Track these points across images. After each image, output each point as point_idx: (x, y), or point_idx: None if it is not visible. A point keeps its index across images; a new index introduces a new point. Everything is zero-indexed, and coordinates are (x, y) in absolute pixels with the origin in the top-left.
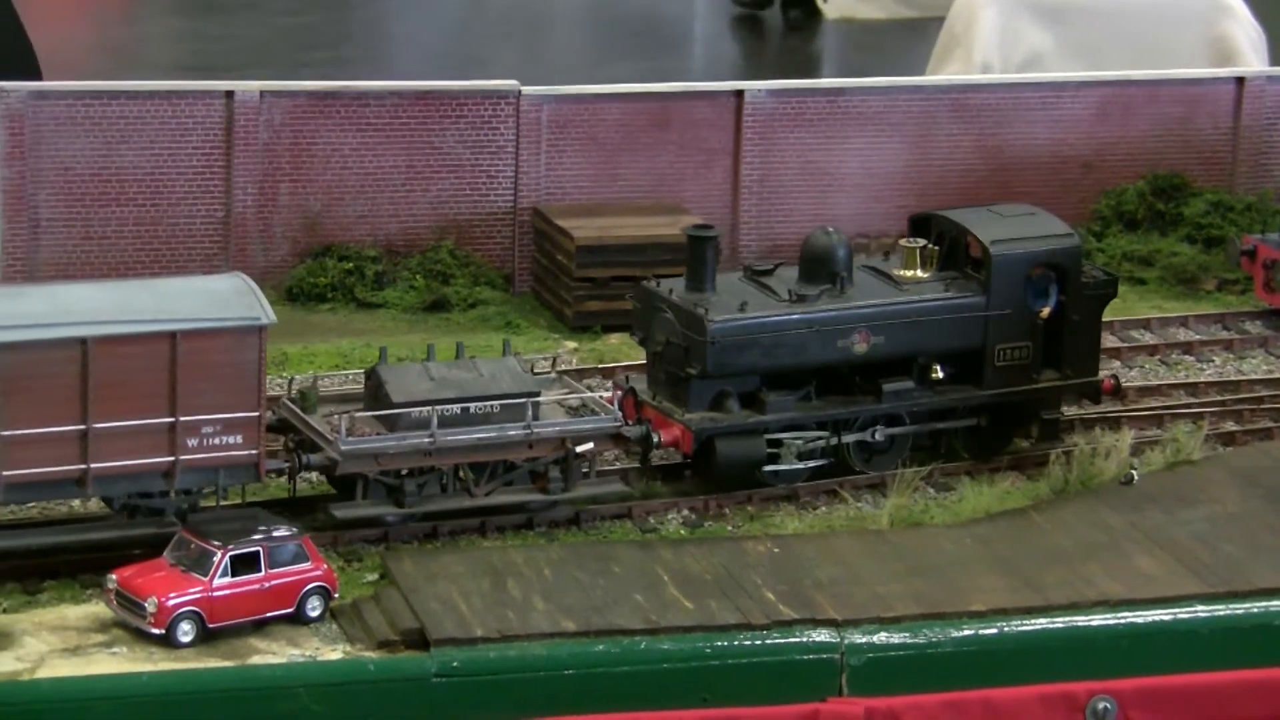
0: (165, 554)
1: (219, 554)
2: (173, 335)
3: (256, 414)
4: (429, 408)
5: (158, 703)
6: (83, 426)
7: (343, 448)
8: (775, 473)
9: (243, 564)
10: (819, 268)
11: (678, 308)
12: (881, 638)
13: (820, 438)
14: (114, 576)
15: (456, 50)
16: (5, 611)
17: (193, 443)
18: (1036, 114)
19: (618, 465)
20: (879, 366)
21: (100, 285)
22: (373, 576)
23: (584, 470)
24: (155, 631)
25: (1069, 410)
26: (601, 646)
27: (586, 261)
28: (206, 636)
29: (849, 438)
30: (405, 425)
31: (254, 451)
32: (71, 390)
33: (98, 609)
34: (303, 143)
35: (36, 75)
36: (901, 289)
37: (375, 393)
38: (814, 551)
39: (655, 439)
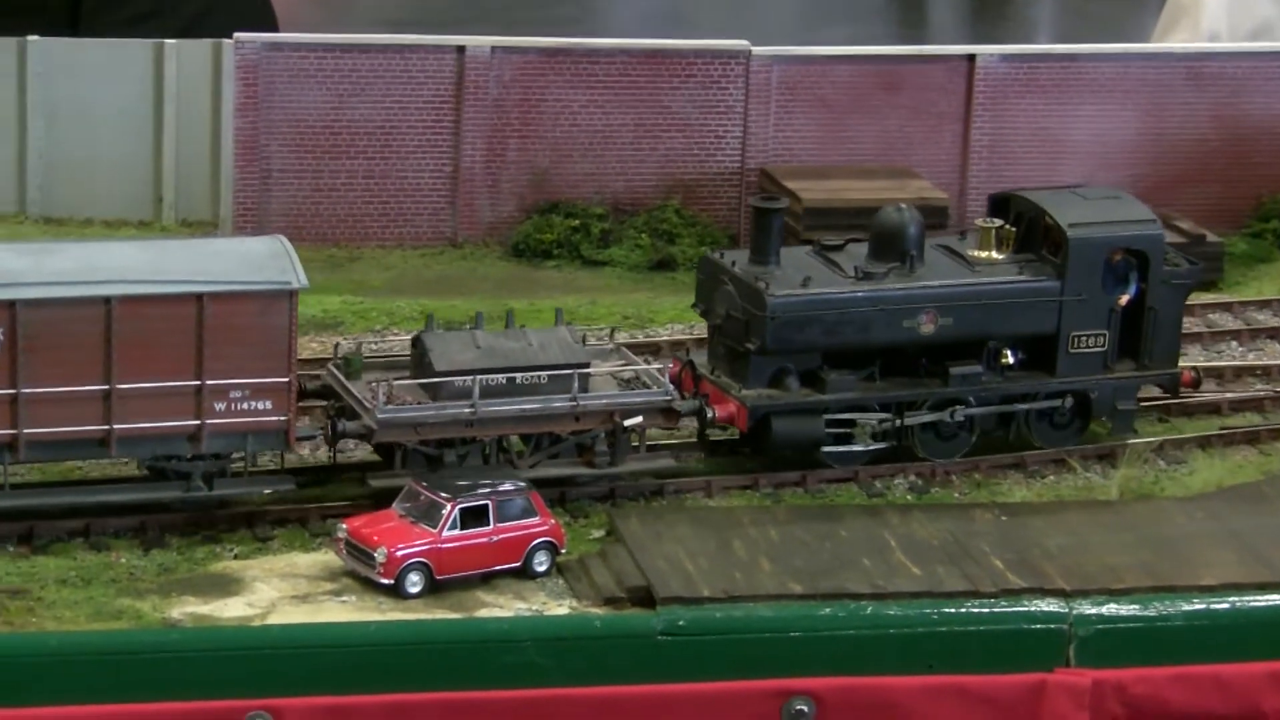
0: (395, 505)
1: (448, 506)
2: (199, 297)
3: (286, 379)
4: (471, 377)
5: (386, 652)
6: (106, 387)
7: (379, 416)
8: (835, 454)
9: (471, 517)
10: (889, 245)
11: (739, 280)
12: (1110, 609)
13: (885, 419)
14: (344, 526)
15: (668, 9)
16: (236, 557)
17: (220, 407)
18: (1276, 84)
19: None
20: (947, 349)
21: (135, 244)
22: (599, 533)
23: (634, 445)
24: (384, 581)
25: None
26: (827, 610)
27: (813, 224)
28: (434, 588)
29: (913, 420)
30: (448, 394)
31: (284, 418)
32: (96, 350)
33: (327, 557)
34: (532, 99)
35: (273, 27)
36: (974, 270)
37: (419, 360)
38: (1042, 521)
39: (710, 415)
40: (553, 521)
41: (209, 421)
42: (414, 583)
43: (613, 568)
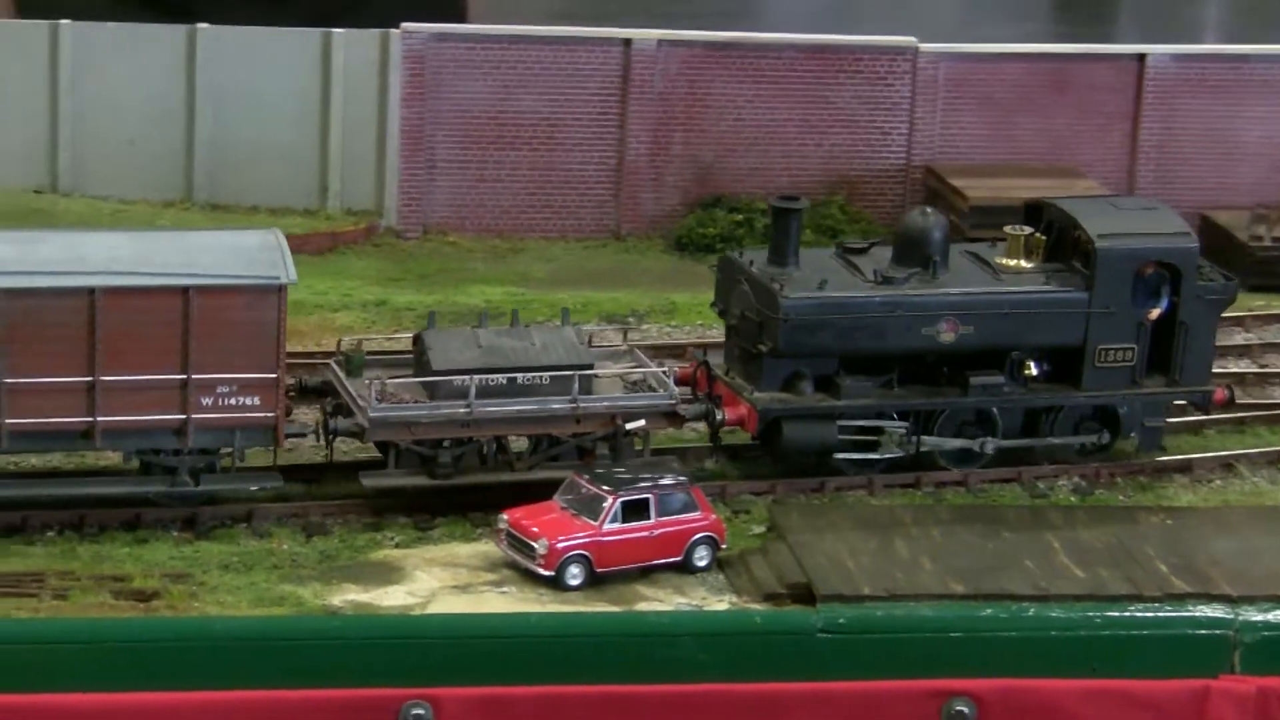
0: (556, 497)
1: (610, 499)
2: (185, 290)
3: (274, 376)
4: (468, 377)
5: (545, 644)
6: (90, 379)
7: (371, 414)
8: (850, 461)
9: (633, 510)
10: (912, 250)
11: (755, 281)
12: (1277, 616)
13: (901, 427)
14: (505, 517)
15: (832, 3)
16: (397, 546)
17: (207, 401)
18: None
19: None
20: (968, 358)
21: (126, 234)
22: (760, 529)
23: (638, 448)
24: (544, 573)
25: None
26: (989, 611)
27: (979, 222)
28: (594, 581)
29: (931, 445)
30: (445, 394)
31: (272, 414)
32: (79, 341)
33: (487, 548)
34: (698, 92)
35: (462, 16)
36: (999, 278)
37: (420, 358)
38: (1208, 525)
39: (719, 418)
40: (714, 516)
41: (195, 416)
42: (574, 575)
43: (773, 564)
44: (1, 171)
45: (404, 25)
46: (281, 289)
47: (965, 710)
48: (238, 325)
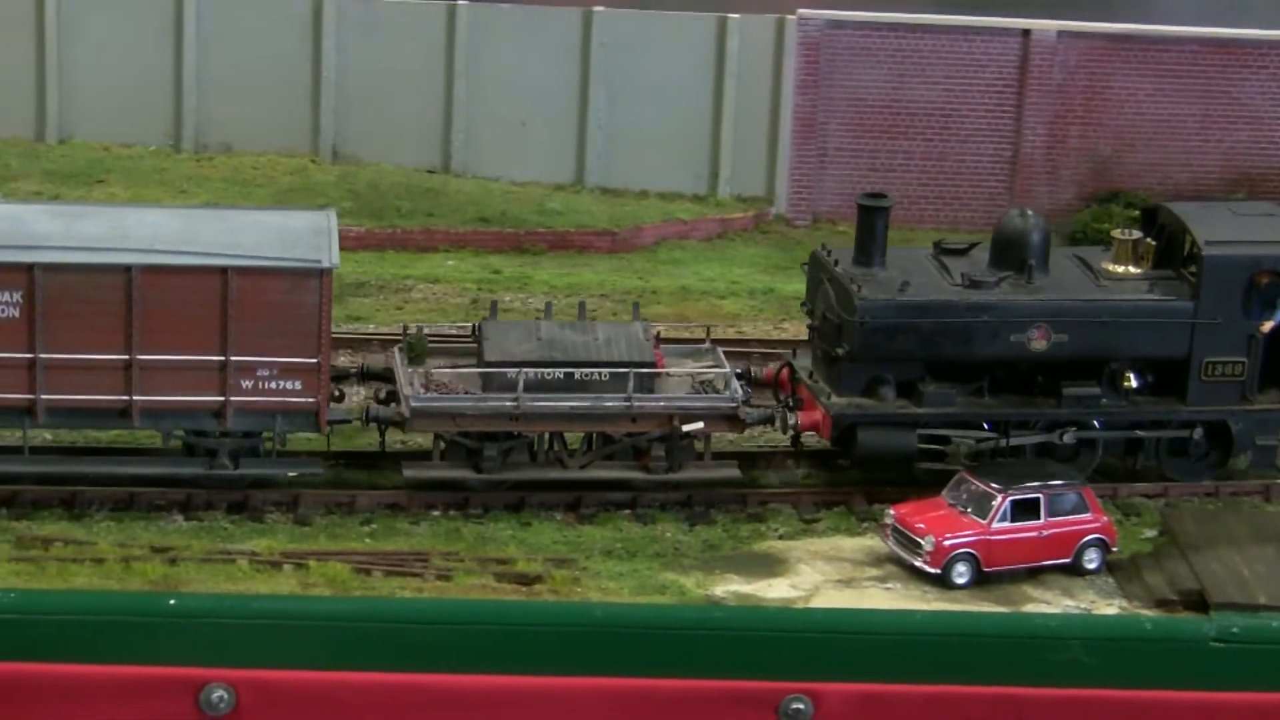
0: (944, 493)
1: (999, 498)
2: (224, 271)
3: (316, 360)
4: (517, 369)
5: (929, 643)
6: (127, 357)
7: (413, 404)
8: (938, 472)
9: (1022, 510)
10: (1008, 252)
11: (836, 281)
12: None
13: (987, 438)
14: (892, 512)
15: None
16: (781, 538)
17: (246, 384)
18: None
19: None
20: (1064, 368)
21: (173, 212)
22: (1151, 533)
23: (698, 451)
24: (930, 570)
25: None
26: None
27: None
28: (981, 580)
29: (1019, 440)
30: (499, 386)
31: (314, 399)
32: (116, 319)
33: (871, 542)
34: (1096, 85)
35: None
36: (1099, 285)
37: (478, 349)
38: None
39: (792, 422)
40: (1105, 519)
41: (234, 399)
42: (961, 573)
43: (1165, 569)
44: (396, 151)
45: (800, 11)
46: (324, 273)
47: None
48: (278, 308)
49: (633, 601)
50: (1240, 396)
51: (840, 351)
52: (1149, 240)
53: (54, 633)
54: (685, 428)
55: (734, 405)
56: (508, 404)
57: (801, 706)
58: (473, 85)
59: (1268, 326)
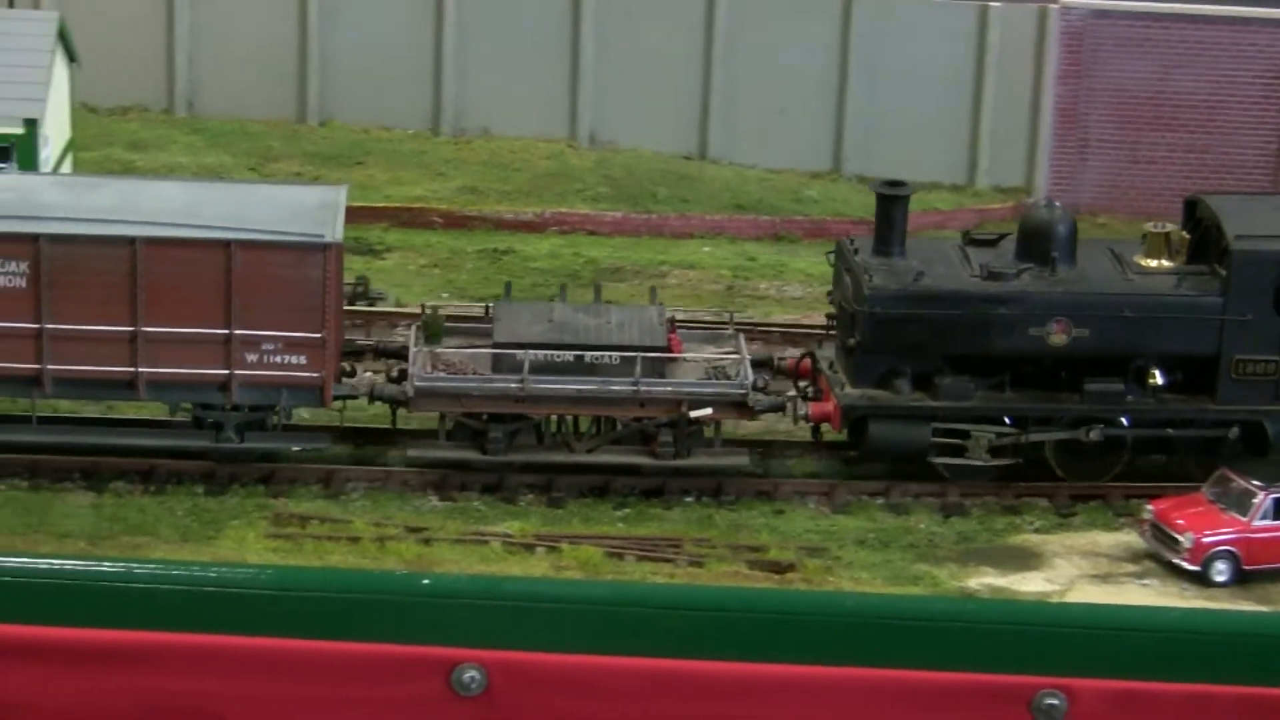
0: (1204, 489)
1: (1260, 495)
2: (227, 245)
3: (320, 335)
4: (524, 351)
5: (1187, 641)
6: (132, 329)
7: (417, 383)
8: (954, 467)
9: None
10: (1033, 244)
11: (854, 270)
12: None
13: (1006, 434)
14: (1151, 508)
15: None
16: (1037, 531)
17: (251, 358)
18: None
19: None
20: (1087, 363)
21: (185, 185)
22: None
23: (708, 438)
24: (1189, 567)
25: None
26: None
27: None
28: (1241, 578)
29: (1039, 436)
30: (508, 367)
31: (319, 374)
32: (121, 291)
33: (1128, 538)
34: None
35: None
36: (1126, 278)
37: (491, 330)
38: None
39: (803, 412)
40: None
41: (239, 372)
42: (1220, 571)
43: None
44: (654, 137)
45: (1063, 1)
46: (328, 248)
47: None
48: (282, 282)
49: (885, 592)
50: (1273, 396)
51: (852, 342)
52: (1182, 233)
53: (310, 609)
54: (693, 414)
55: (743, 392)
56: (512, 385)
57: (1055, 702)
58: (730, 71)
59: None
